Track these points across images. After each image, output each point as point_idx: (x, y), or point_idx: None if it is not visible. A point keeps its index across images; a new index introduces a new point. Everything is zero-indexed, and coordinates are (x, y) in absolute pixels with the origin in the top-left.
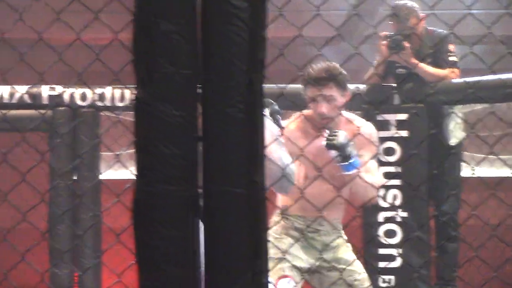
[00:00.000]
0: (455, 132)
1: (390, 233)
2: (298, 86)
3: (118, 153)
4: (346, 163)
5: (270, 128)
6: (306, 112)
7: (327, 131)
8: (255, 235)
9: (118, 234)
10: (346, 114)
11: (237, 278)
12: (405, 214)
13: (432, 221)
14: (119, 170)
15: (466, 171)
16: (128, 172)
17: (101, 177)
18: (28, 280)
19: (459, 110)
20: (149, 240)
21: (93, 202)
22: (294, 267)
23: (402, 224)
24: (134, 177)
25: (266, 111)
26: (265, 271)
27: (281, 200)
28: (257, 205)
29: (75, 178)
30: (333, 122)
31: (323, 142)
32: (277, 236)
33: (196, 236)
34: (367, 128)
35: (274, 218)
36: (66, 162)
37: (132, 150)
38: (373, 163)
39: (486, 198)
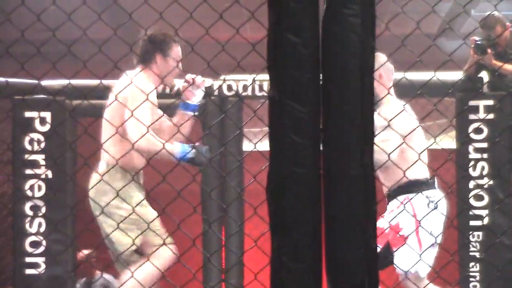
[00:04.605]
0: None
1: (478, 197)
2: None
3: (259, 129)
4: None
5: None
6: None
7: None
8: (367, 209)
9: (255, 207)
10: None
11: (353, 241)
12: (491, 182)
13: None
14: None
15: None
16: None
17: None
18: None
19: None
20: (281, 210)
21: (236, 174)
22: None
23: (489, 190)
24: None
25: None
26: (374, 236)
27: None
28: (368, 183)
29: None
30: None
31: None
32: None
33: (319, 208)
34: None
35: None
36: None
37: None
38: None
39: None
